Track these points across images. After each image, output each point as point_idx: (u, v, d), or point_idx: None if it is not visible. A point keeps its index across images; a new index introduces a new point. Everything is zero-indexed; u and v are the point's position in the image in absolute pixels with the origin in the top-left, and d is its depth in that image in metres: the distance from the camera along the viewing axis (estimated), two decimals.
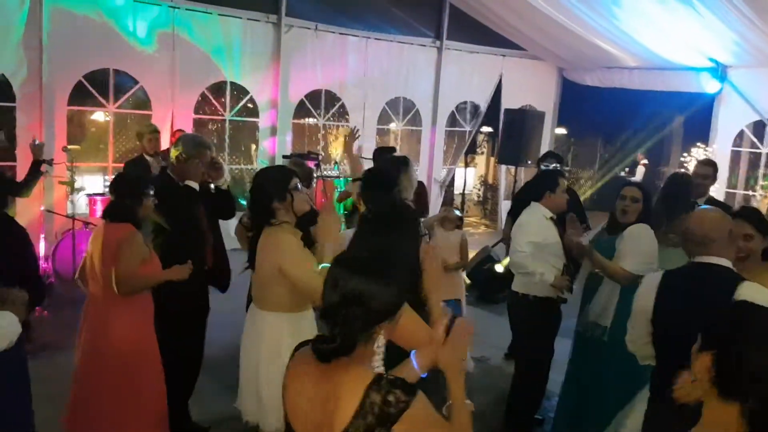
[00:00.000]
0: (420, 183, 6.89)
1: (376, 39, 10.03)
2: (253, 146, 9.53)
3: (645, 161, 15.79)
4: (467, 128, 11.71)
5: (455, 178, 12.71)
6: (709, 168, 5.26)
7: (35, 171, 5.86)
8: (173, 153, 4.24)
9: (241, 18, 8.77)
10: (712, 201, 5.22)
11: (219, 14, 8.55)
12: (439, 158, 11.46)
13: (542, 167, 5.87)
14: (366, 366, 1.77)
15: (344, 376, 1.73)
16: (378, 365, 1.80)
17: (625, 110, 12.69)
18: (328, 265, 3.00)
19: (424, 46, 10.68)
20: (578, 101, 12.47)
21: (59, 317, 6.31)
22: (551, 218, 4.28)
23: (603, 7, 8.74)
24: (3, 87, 7.28)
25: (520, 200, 5.23)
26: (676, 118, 14.09)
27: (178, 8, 8.23)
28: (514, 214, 5.13)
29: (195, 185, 4.15)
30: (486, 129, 12.55)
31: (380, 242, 2.79)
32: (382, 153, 6.70)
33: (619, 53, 10.21)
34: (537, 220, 4.26)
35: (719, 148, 9.79)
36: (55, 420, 4.19)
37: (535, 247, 4.14)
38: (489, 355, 6.02)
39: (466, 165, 13.25)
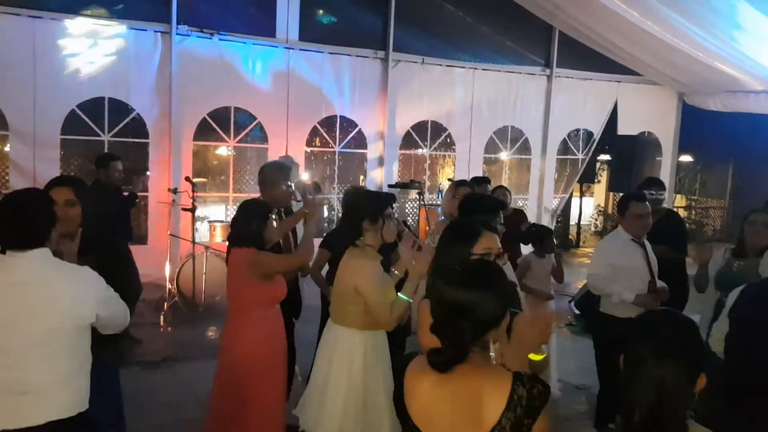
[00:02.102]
0: (518, 211, 6.87)
1: (483, 69, 10.13)
2: (361, 176, 9.89)
3: None
4: (580, 156, 11.45)
5: (571, 208, 12.41)
6: None
7: (130, 200, 6.36)
8: (260, 179, 4.67)
9: (350, 55, 9.23)
10: None
11: (330, 53, 9.06)
12: (549, 187, 11.25)
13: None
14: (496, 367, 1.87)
15: (485, 378, 1.84)
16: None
17: (755, 136, 11.85)
18: (406, 297, 3.14)
19: (533, 74, 10.64)
20: (703, 127, 11.76)
21: (180, 333, 6.89)
22: (633, 240, 4.26)
23: (721, 30, 8.33)
24: (138, 125, 8.13)
25: None
26: None
27: (293, 49, 8.82)
28: None
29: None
30: (604, 157, 12.18)
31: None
32: (479, 183, 6.73)
33: (743, 77, 9.63)
34: (615, 242, 4.33)
35: None
36: (172, 424, 4.62)
37: (611, 269, 4.20)
38: (591, 383, 5.89)
39: (582, 194, 12.93)
